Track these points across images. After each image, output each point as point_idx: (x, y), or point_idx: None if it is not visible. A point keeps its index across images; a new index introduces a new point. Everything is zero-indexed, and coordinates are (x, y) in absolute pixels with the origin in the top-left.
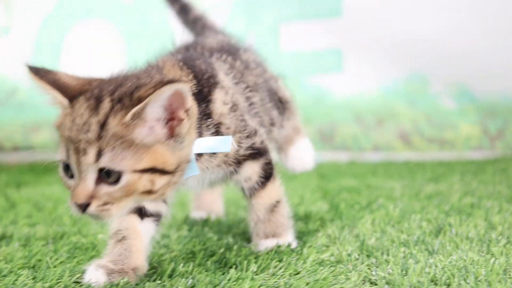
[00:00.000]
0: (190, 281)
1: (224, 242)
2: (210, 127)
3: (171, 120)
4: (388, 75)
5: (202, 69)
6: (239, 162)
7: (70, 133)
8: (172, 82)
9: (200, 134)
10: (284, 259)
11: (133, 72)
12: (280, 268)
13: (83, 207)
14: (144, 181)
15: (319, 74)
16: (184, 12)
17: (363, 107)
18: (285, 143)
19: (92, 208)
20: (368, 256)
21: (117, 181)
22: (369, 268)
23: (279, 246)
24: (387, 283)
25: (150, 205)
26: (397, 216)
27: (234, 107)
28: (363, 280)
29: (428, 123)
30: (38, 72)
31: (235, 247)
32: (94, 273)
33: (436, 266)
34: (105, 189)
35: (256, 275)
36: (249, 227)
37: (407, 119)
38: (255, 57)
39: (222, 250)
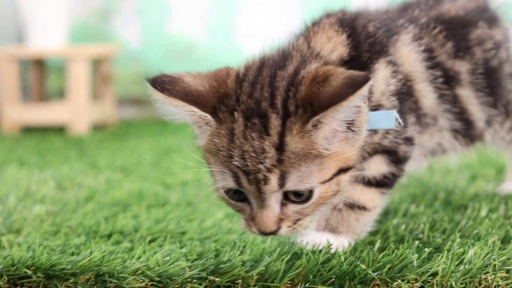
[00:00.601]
0: (431, 218)
1: (444, 186)
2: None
3: None
4: None
5: (368, 31)
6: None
7: (238, 162)
8: (361, 81)
9: None
10: (510, 202)
11: (273, 55)
12: (510, 210)
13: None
14: (333, 186)
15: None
16: None
17: None
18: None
19: (283, 231)
20: None
21: (307, 198)
22: None
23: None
24: None
25: None
26: None
27: (396, 92)
28: None
29: None
30: (164, 86)
31: (457, 190)
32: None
33: None
34: (293, 208)
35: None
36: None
37: None
38: (501, 34)
39: (442, 193)
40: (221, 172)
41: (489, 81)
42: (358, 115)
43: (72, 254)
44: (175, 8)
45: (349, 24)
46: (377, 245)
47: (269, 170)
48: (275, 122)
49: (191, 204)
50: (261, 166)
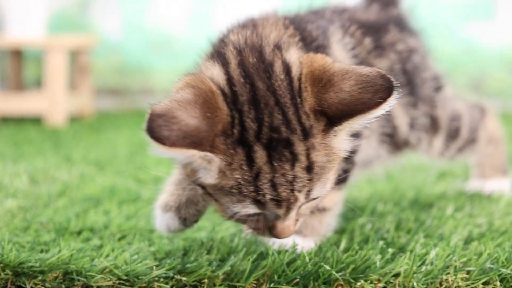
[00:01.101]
0: (397, 218)
1: (413, 184)
2: None
3: None
4: None
5: (312, 35)
6: None
7: (268, 193)
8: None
9: None
10: (476, 200)
11: (244, 55)
12: (474, 209)
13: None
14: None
15: (471, 23)
16: None
17: None
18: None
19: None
20: None
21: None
22: None
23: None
24: None
25: None
26: None
27: None
28: None
29: None
30: (161, 134)
31: (426, 188)
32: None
33: None
34: (304, 207)
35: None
36: None
37: None
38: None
39: (411, 191)
40: (240, 201)
41: (406, 81)
42: None
43: (41, 251)
44: None
45: (298, 27)
46: (342, 245)
47: (299, 191)
48: (300, 147)
49: None
50: (294, 192)
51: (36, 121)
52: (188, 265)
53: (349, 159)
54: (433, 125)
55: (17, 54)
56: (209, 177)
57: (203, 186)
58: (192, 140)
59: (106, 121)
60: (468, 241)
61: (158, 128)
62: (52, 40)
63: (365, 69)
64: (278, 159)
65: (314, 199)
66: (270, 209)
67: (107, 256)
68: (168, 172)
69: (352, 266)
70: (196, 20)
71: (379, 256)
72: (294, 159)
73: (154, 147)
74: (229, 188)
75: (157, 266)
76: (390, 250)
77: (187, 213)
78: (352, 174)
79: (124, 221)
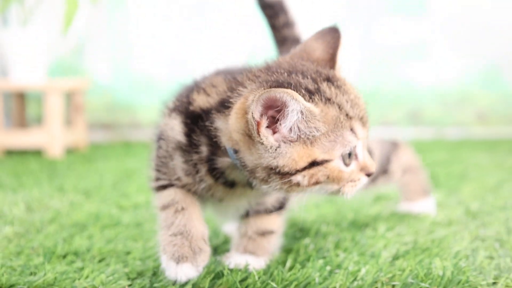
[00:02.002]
0: (337, 238)
1: (353, 206)
2: None
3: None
4: (467, 63)
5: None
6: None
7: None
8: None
9: None
10: (405, 221)
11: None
12: (402, 228)
13: None
14: None
15: (408, 63)
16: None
17: (445, 91)
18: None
19: None
20: (474, 218)
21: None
22: (477, 228)
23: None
24: (496, 240)
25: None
26: (492, 185)
27: None
28: (475, 238)
29: (502, 104)
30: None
31: (363, 210)
32: (178, 267)
33: None
34: None
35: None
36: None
37: (484, 101)
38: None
39: (351, 213)
40: (340, 138)
41: None
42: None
43: (30, 274)
44: (138, 47)
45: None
46: (288, 264)
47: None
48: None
49: (139, 225)
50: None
51: (37, 153)
52: (156, 285)
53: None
54: None
55: (21, 96)
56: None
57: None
58: None
59: (98, 152)
60: (395, 258)
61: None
62: (51, 83)
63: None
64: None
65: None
66: (359, 135)
67: (86, 277)
68: (147, 199)
69: (295, 283)
70: (175, 63)
71: (317, 274)
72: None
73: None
74: (334, 123)
75: (129, 285)
76: (328, 268)
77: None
78: (290, 202)
79: (104, 245)
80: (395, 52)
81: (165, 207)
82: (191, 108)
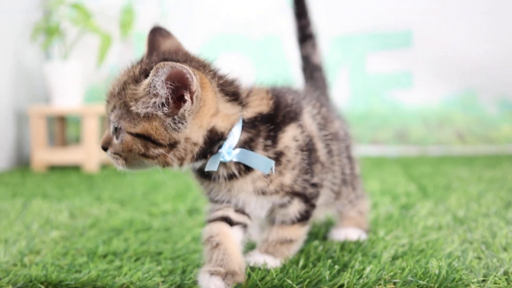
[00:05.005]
0: (342, 240)
1: None
2: (268, 149)
3: (176, 100)
4: (447, 89)
5: (287, 102)
6: (292, 195)
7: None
8: (169, 61)
9: (251, 147)
10: (400, 224)
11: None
12: (399, 232)
13: (104, 149)
14: (138, 144)
15: (395, 90)
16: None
17: (428, 113)
18: (342, 218)
19: (108, 153)
20: (461, 224)
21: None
22: (464, 232)
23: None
24: (482, 243)
25: (234, 215)
26: (475, 195)
27: (303, 148)
28: (463, 241)
29: (478, 125)
30: None
31: None
32: (210, 279)
33: None
34: (114, 140)
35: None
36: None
37: (462, 122)
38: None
39: None
40: None
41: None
42: (182, 107)
43: (76, 271)
44: None
45: (277, 95)
46: (301, 263)
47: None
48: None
49: (168, 229)
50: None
51: (75, 168)
52: (186, 282)
53: (308, 202)
54: None
55: (62, 119)
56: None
57: None
58: None
59: None
60: (394, 258)
61: None
62: (87, 108)
63: None
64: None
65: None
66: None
67: (125, 274)
68: (173, 208)
69: (308, 280)
70: None
71: (328, 272)
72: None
73: None
74: None
75: (162, 282)
76: (337, 267)
77: (232, 281)
78: (312, 214)
79: (138, 246)
80: (384, 80)
81: (203, 243)
82: None
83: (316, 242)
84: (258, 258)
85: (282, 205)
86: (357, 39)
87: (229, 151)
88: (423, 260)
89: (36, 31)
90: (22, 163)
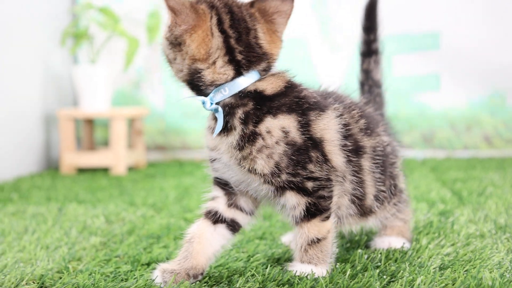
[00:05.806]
0: (385, 249)
1: None
2: (248, 125)
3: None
4: (474, 92)
5: (300, 95)
6: (279, 187)
7: None
8: None
9: (228, 113)
10: (441, 232)
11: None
12: (441, 240)
13: None
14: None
15: (422, 92)
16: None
17: (455, 117)
18: (384, 227)
19: None
20: (503, 232)
21: None
22: (508, 241)
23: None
24: None
25: (224, 209)
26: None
27: (294, 143)
28: (508, 250)
29: (506, 128)
30: None
31: None
32: (155, 273)
33: None
34: None
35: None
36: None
37: (489, 125)
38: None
39: None
40: None
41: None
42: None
43: (122, 280)
44: None
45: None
46: (348, 273)
47: None
48: None
49: None
50: None
51: (104, 171)
52: None
53: (311, 194)
54: None
55: (90, 122)
56: None
57: None
58: None
59: (155, 170)
60: (442, 268)
61: None
62: (115, 111)
63: None
64: None
65: None
66: None
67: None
68: None
69: None
70: None
71: (378, 283)
72: None
73: None
74: None
75: None
76: (385, 278)
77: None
78: (328, 205)
79: None
80: (411, 83)
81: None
82: None
83: (359, 251)
84: (302, 268)
85: (275, 196)
86: (383, 42)
87: (212, 101)
88: (472, 270)
89: (65, 35)
90: (51, 166)
